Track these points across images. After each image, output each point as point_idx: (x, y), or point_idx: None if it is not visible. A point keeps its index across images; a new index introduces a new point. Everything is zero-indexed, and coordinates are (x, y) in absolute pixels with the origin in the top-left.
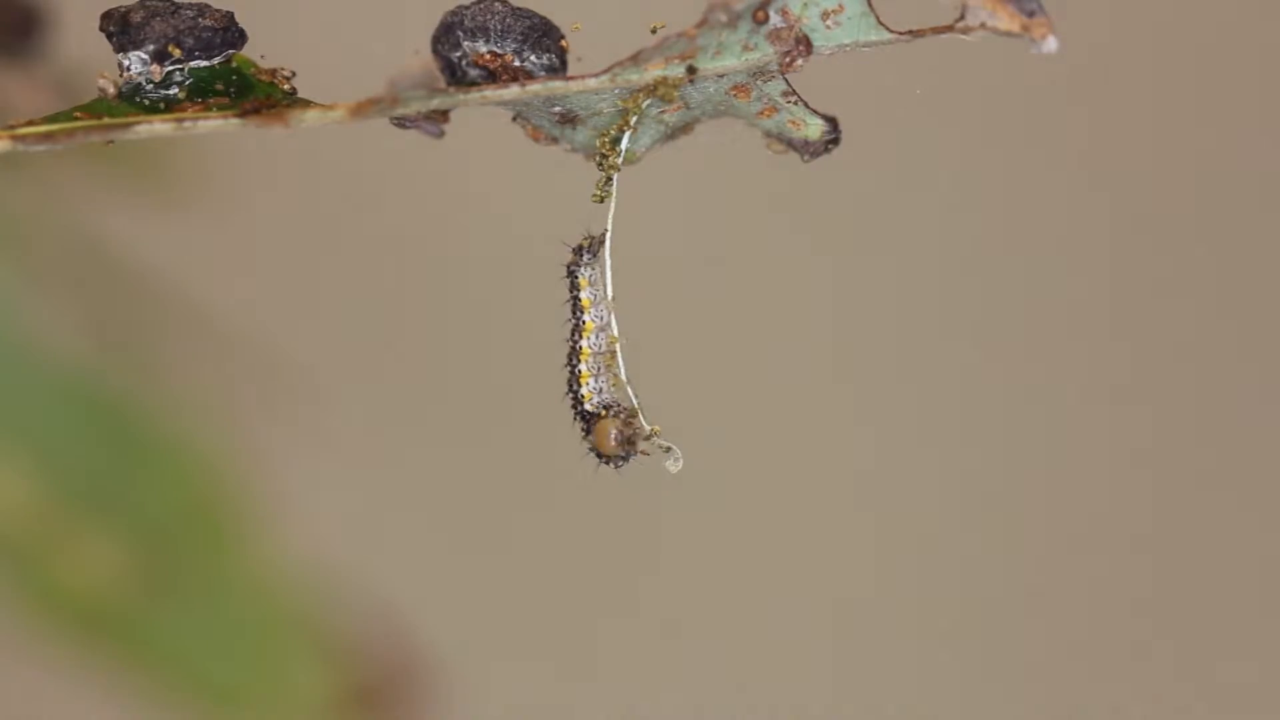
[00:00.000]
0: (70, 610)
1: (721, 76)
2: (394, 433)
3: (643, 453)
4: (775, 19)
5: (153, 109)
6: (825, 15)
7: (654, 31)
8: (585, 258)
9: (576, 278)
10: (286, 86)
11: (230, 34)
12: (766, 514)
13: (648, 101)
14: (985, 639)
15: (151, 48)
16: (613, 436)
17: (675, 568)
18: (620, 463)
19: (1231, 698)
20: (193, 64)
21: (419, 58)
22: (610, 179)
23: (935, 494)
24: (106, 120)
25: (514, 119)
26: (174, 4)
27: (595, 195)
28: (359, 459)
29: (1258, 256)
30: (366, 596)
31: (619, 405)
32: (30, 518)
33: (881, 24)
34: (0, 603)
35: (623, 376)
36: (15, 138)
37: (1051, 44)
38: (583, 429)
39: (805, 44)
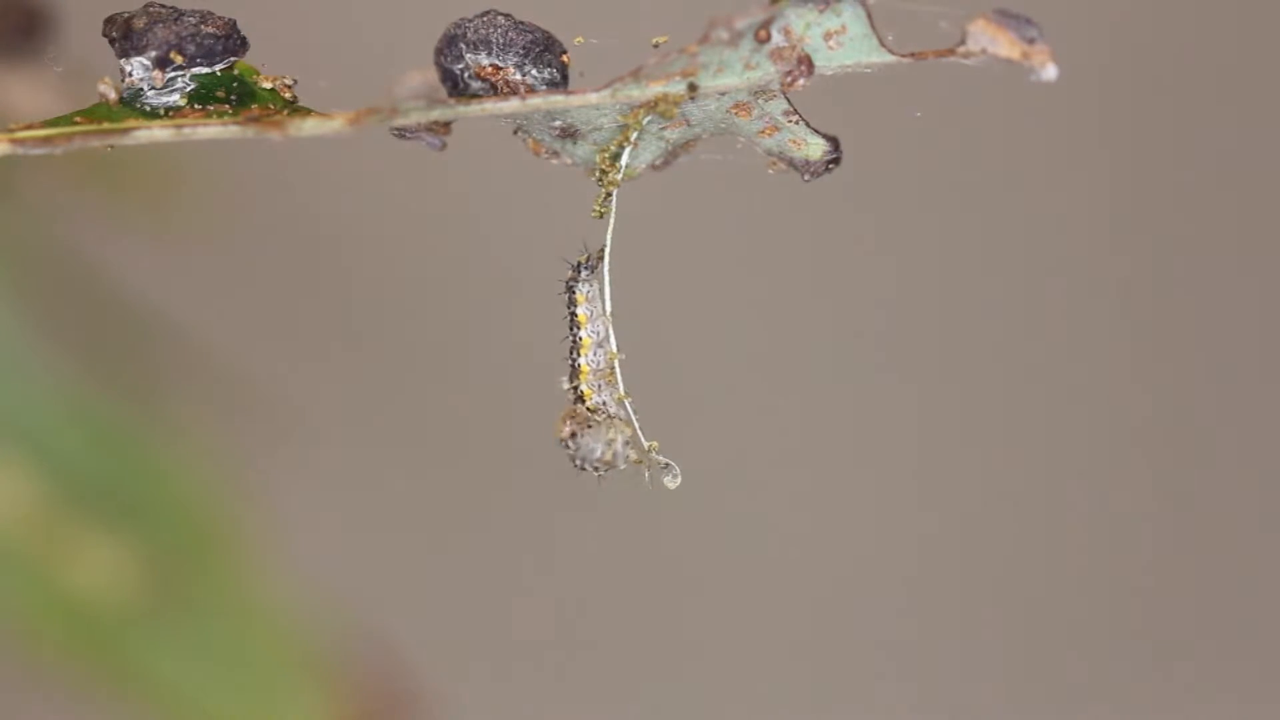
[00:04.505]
0: (64, 635)
1: (723, 94)
2: (389, 458)
3: (635, 462)
4: (778, 38)
5: (154, 115)
6: (828, 35)
7: (656, 47)
8: (584, 273)
9: (574, 293)
10: (288, 95)
11: (232, 41)
12: (766, 530)
13: (648, 118)
14: (995, 653)
15: (154, 54)
16: (565, 425)
17: (673, 590)
18: (595, 470)
19: (1232, 697)
20: (195, 71)
21: (420, 69)
22: (610, 194)
23: (937, 509)
24: (105, 125)
25: (515, 132)
26: (177, 10)
27: (595, 211)
28: (354, 486)
29: (1257, 274)
30: (361, 624)
31: (607, 415)
32: (27, 537)
33: (883, 46)
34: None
35: (621, 392)
36: (14, 141)
37: (1051, 71)
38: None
39: (807, 64)
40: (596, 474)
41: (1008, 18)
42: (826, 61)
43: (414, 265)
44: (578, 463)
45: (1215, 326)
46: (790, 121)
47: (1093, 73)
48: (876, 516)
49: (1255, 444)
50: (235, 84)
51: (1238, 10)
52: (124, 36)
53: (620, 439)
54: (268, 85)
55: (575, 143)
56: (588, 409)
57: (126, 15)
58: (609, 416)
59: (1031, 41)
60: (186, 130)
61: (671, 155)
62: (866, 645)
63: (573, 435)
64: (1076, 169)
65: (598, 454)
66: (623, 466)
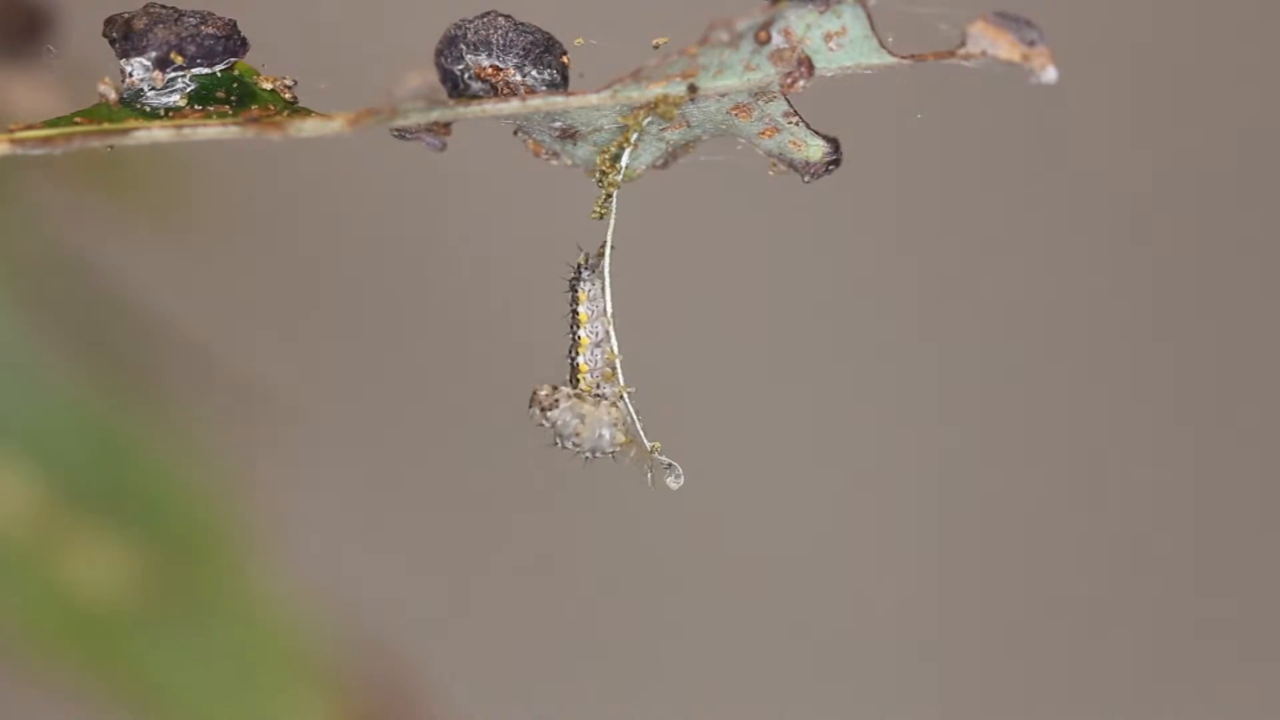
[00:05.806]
0: (63, 635)
1: (723, 95)
2: (390, 457)
3: (625, 444)
4: (778, 39)
5: (154, 115)
6: (828, 37)
7: (656, 49)
8: (585, 273)
9: (576, 292)
10: (288, 95)
11: (233, 42)
12: (769, 531)
13: (648, 119)
14: (1002, 651)
15: (154, 54)
16: (532, 400)
17: (676, 590)
18: (575, 448)
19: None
20: (195, 71)
21: (419, 70)
22: (610, 196)
23: (939, 508)
24: (105, 126)
25: (515, 133)
26: (177, 11)
27: (595, 212)
28: (354, 486)
29: (1257, 273)
30: (361, 624)
31: (601, 398)
32: (27, 537)
33: (884, 48)
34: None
35: (621, 391)
36: (14, 141)
37: (1051, 74)
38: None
39: (807, 65)
40: (579, 452)
41: (1008, 20)
42: (827, 63)
43: (414, 266)
44: (557, 441)
45: (1217, 327)
46: (790, 123)
47: (1093, 74)
48: (878, 517)
49: (1255, 445)
50: (235, 85)
51: (1239, 10)
52: (124, 37)
53: (607, 418)
54: (268, 86)
55: (575, 144)
56: (568, 393)
57: (126, 15)
58: (595, 398)
59: (1032, 44)
60: (186, 131)
61: (671, 156)
62: (868, 644)
63: (542, 409)
64: (1077, 170)
65: (571, 428)
66: (610, 451)
